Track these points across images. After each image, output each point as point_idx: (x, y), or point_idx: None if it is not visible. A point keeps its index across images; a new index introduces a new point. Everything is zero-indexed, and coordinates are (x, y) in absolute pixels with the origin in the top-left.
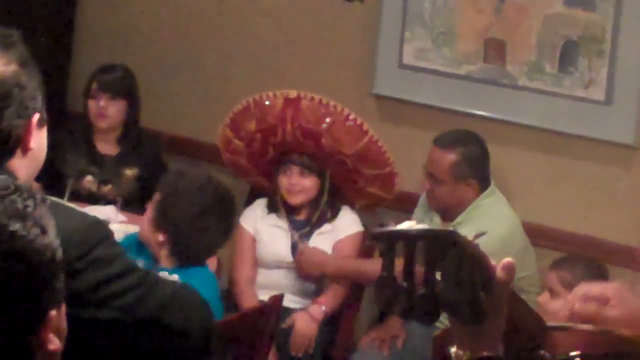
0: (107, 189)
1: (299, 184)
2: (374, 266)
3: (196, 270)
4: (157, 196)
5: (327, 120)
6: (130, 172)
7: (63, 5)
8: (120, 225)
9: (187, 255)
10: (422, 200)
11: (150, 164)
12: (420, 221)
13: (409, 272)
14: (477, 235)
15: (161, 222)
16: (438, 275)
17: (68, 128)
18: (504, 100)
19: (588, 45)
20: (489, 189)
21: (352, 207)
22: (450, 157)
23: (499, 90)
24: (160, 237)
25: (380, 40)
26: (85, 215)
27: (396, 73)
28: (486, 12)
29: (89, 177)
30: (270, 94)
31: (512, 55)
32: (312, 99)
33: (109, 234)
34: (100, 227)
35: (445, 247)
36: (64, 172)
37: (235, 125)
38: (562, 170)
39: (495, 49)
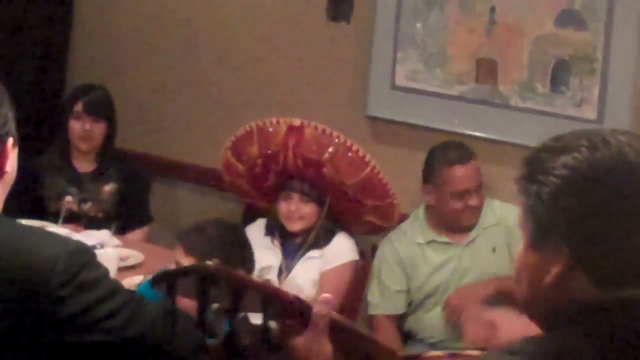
0: (87, 207)
1: (298, 211)
2: None
3: None
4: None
5: (330, 150)
6: (108, 188)
7: (56, 29)
8: (115, 249)
9: None
10: (403, 239)
11: (128, 178)
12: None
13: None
14: None
15: None
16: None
17: (46, 152)
18: (496, 120)
19: (579, 64)
20: None
21: (349, 233)
22: (475, 160)
23: (491, 110)
24: None
25: (373, 62)
26: (67, 241)
27: (389, 94)
28: (477, 32)
29: (68, 198)
30: (274, 120)
31: (503, 75)
32: (316, 128)
33: (93, 258)
34: (83, 252)
35: (207, 281)
36: (43, 195)
37: (237, 149)
38: None
39: (486, 69)
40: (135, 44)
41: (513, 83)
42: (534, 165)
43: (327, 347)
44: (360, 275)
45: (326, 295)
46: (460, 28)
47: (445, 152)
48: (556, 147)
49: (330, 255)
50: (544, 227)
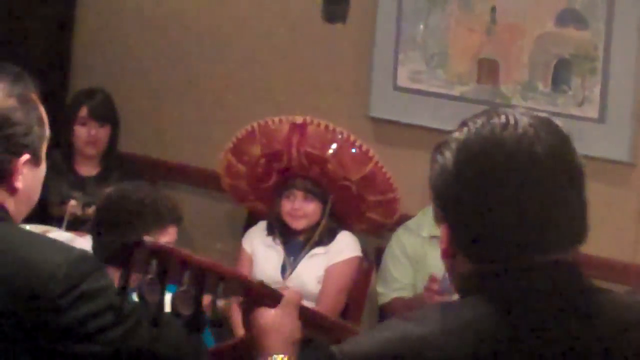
0: (91, 210)
1: (302, 209)
2: None
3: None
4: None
5: (333, 146)
6: None
7: (59, 35)
8: None
9: None
10: (411, 233)
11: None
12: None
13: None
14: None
15: None
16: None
17: (49, 157)
18: None
19: (580, 63)
20: None
21: (352, 231)
22: None
23: None
24: None
25: (375, 63)
26: (70, 249)
27: (391, 95)
28: (478, 32)
29: (72, 202)
30: (276, 119)
31: (505, 75)
32: (319, 124)
33: (96, 268)
34: (87, 261)
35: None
36: (46, 199)
37: (238, 150)
38: None
39: (488, 69)
40: (136, 48)
41: (514, 83)
42: (437, 144)
43: (294, 324)
44: (364, 275)
45: (295, 289)
46: (462, 28)
47: None
48: (455, 129)
49: (335, 251)
50: (436, 201)
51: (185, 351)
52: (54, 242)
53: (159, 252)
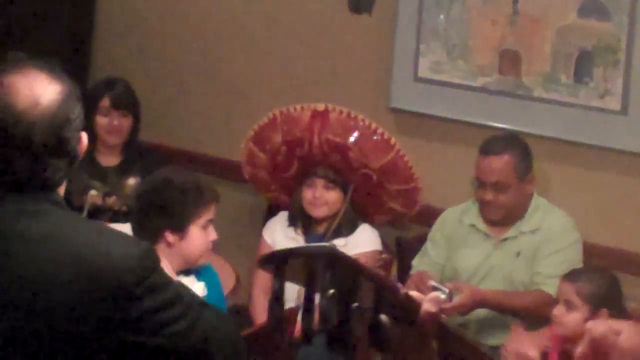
0: (111, 200)
1: (322, 197)
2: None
3: (205, 269)
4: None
5: (355, 133)
6: (132, 181)
7: (79, 23)
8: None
9: None
10: (455, 215)
11: (152, 171)
12: (462, 238)
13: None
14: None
15: None
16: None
17: None
18: (520, 112)
19: (603, 55)
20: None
21: (372, 223)
22: (509, 158)
23: (515, 102)
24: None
25: (396, 54)
26: (137, 241)
27: (412, 86)
28: (500, 23)
29: (92, 192)
30: (298, 106)
31: (527, 66)
32: (341, 112)
33: (159, 261)
34: (154, 253)
35: (325, 264)
36: (67, 189)
37: (260, 138)
38: (578, 180)
39: (510, 61)
40: (158, 37)
41: (536, 74)
42: None
43: (431, 348)
44: (384, 267)
45: (435, 294)
46: (483, 19)
47: (487, 140)
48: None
49: (354, 243)
50: None
51: (231, 348)
52: (118, 232)
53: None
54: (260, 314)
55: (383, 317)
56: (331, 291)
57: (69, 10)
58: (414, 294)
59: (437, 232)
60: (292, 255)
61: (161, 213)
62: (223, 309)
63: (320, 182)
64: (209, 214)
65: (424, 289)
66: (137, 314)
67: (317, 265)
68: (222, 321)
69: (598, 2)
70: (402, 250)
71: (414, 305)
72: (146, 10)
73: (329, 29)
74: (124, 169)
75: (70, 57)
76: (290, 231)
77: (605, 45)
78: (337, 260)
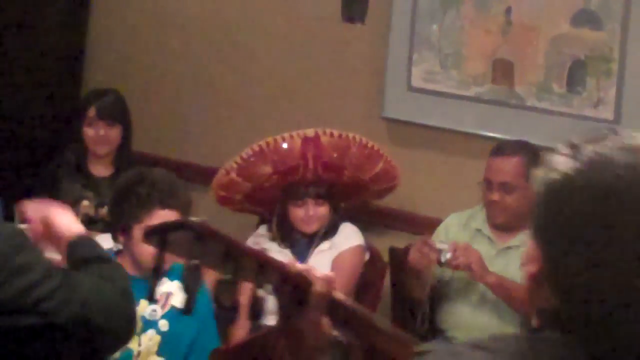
0: (104, 211)
1: (315, 214)
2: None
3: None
4: None
5: (349, 151)
6: None
7: (72, 33)
8: None
9: None
10: (460, 220)
11: None
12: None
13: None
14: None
15: None
16: None
17: (61, 158)
18: (513, 121)
19: (596, 64)
20: None
21: (351, 220)
22: (519, 160)
23: (508, 111)
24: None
25: (389, 64)
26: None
27: (405, 96)
28: (493, 33)
29: (85, 202)
30: (286, 135)
31: (520, 76)
32: (332, 134)
33: (26, 241)
34: (17, 235)
35: (197, 237)
36: (60, 200)
37: (245, 170)
38: None
39: (503, 70)
40: (152, 48)
41: (529, 84)
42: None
43: (325, 330)
44: (379, 276)
45: (328, 273)
46: (476, 29)
47: (499, 143)
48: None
49: (339, 242)
50: (533, 223)
51: (117, 315)
52: None
53: (203, 235)
54: (240, 328)
55: (260, 292)
56: (194, 262)
57: (62, 21)
58: (302, 269)
59: (441, 236)
60: (174, 229)
61: (111, 209)
62: (211, 316)
63: (311, 201)
64: (153, 221)
65: (428, 251)
66: (3, 297)
67: (188, 237)
68: (104, 281)
69: (591, 12)
70: (395, 259)
71: (305, 282)
72: (140, 21)
73: (322, 38)
74: (116, 180)
75: (64, 68)
76: (275, 246)
77: (598, 55)
78: (209, 234)
